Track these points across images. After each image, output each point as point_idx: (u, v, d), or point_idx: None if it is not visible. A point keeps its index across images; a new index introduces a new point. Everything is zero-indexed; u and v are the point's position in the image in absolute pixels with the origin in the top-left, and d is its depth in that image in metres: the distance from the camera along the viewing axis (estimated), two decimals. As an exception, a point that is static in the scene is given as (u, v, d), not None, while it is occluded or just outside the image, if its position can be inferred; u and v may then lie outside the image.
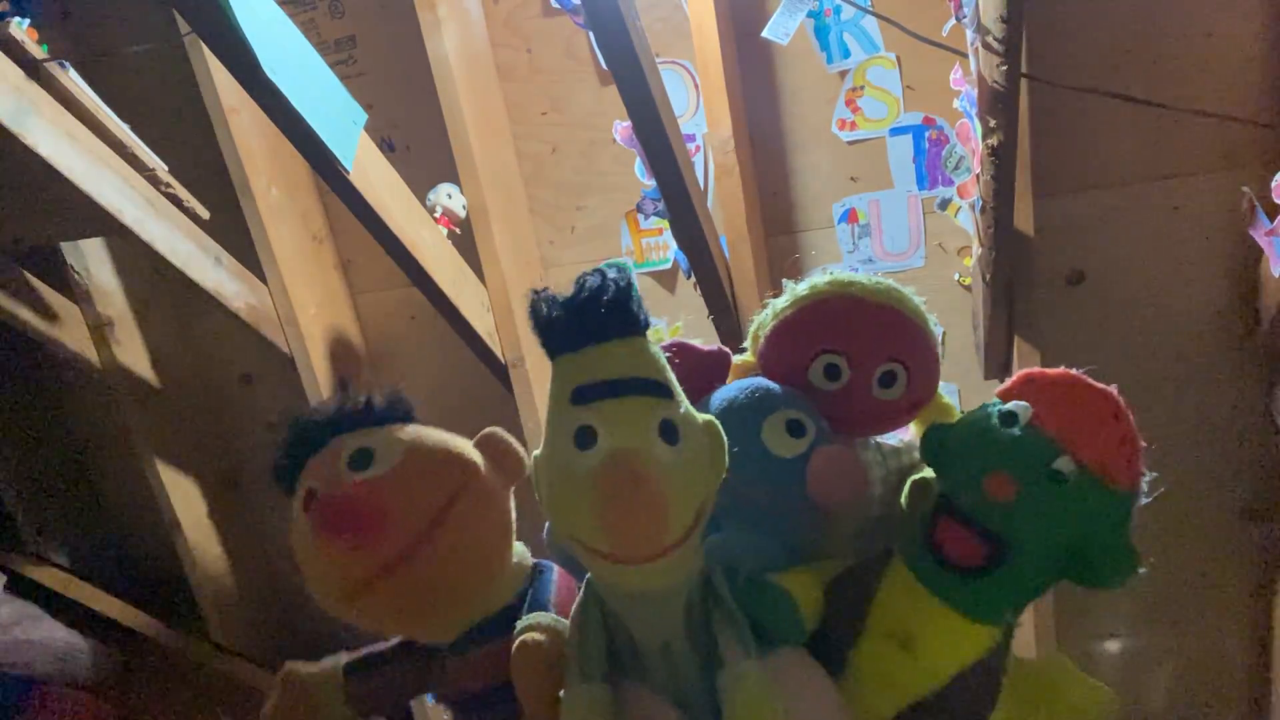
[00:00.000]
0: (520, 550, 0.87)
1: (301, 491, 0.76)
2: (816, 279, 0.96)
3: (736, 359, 1.00)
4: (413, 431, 0.80)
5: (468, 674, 0.80)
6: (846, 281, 0.92)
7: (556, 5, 1.74)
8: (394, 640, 0.84)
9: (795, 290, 0.98)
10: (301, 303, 1.97)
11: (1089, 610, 1.86)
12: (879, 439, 0.97)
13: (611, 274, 0.71)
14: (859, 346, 0.88)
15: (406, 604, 0.74)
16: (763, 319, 1.01)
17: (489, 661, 0.79)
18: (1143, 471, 0.80)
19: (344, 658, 0.81)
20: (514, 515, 0.85)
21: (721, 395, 0.88)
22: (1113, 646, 1.89)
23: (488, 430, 0.85)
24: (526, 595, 0.81)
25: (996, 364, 1.64)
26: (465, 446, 0.81)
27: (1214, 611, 1.80)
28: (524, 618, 0.78)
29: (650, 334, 0.75)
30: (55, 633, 2.39)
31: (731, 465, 0.76)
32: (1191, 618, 1.82)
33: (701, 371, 0.92)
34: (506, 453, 0.81)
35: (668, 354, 0.79)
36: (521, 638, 0.74)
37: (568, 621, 0.79)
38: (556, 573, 0.89)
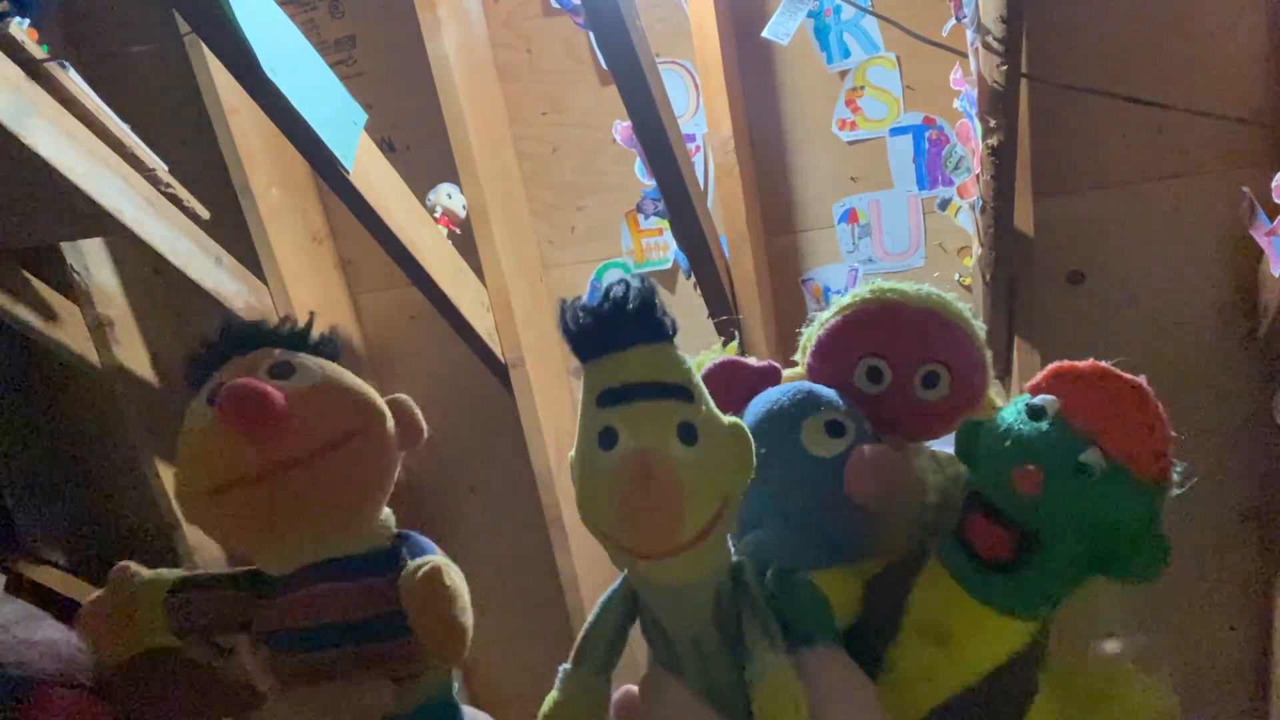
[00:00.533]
0: (388, 513, 0.89)
1: (212, 384, 0.75)
2: (859, 289, 0.99)
3: (787, 372, 1.01)
4: (336, 368, 0.83)
5: (297, 609, 0.81)
6: (887, 288, 0.95)
7: (556, 5, 1.74)
8: (236, 568, 0.86)
9: (839, 300, 1.00)
10: (301, 303, 1.97)
11: (1089, 610, 1.86)
12: (934, 447, 0.97)
13: (635, 284, 0.74)
14: (898, 348, 0.91)
15: (266, 515, 0.76)
16: (810, 332, 1.03)
17: (323, 600, 0.81)
18: (1172, 462, 0.81)
19: (180, 572, 0.83)
20: (395, 477, 0.87)
21: (765, 398, 0.91)
22: (1113, 646, 1.89)
23: (397, 395, 0.88)
24: (386, 553, 0.82)
25: (997, 364, 1.64)
26: (377, 397, 0.84)
27: (1214, 611, 1.80)
28: (413, 561, 0.79)
29: (676, 340, 0.78)
30: (55, 633, 2.38)
31: (772, 465, 0.78)
32: (1192, 618, 1.81)
33: (753, 387, 0.93)
34: (410, 419, 0.84)
35: (720, 373, 0.81)
36: (427, 563, 0.76)
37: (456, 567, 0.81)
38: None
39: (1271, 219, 1.33)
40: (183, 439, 0.74)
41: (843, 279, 1.79)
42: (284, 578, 0.80)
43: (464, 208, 1.79)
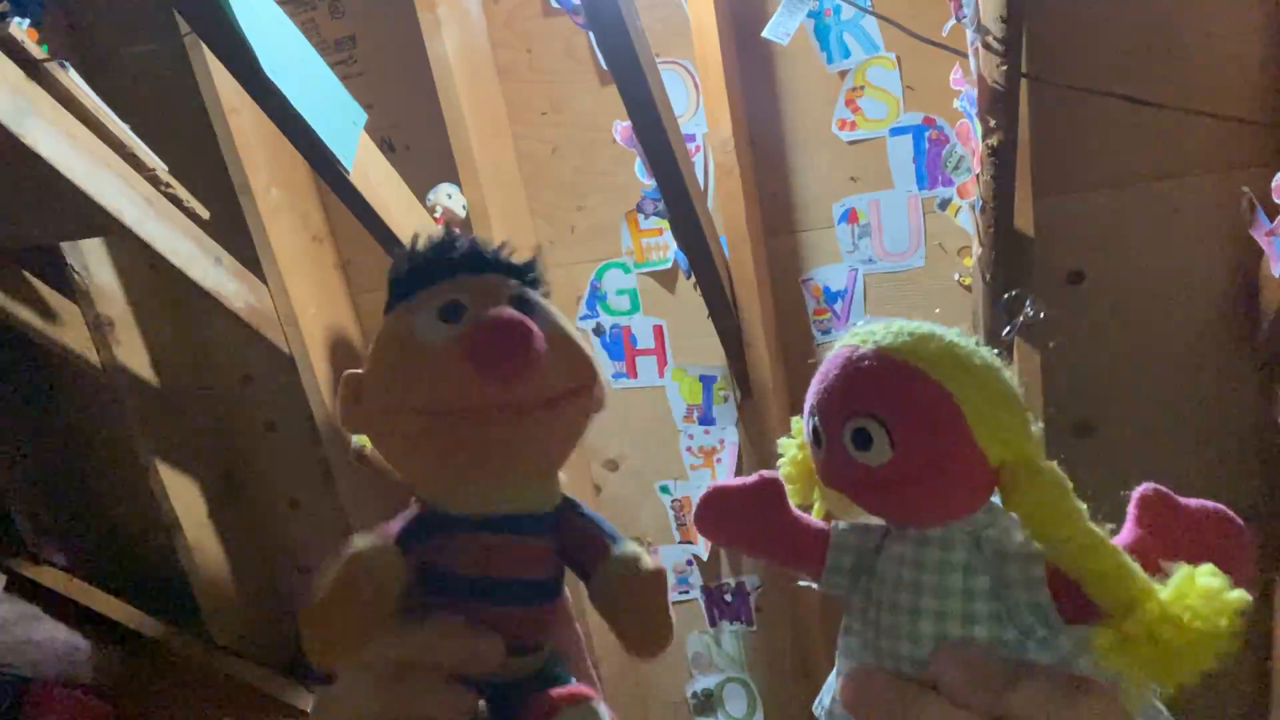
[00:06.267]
0: (562, 477, 0.81)
1: (441, 297, 0.65)
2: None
3: (785, 458, 0.86)
4: (561, 313, 0.75)
5: (472, 555, 0.72)
6: (851, 334, 0.79)
7: (556, 5, 1.74)
8: (408, 514, 0.74)
9: None
10: (301, 303, 1.97)
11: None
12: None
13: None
14: (826, 401, 0.75)
15: (479, 454, 0.65)
16: None
17: (498, 553, 0.72)
18: None
19: (377, 537, 0.66)
20: None
21: None
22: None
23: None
24: (554, 515, 0.74)
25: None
26: (596, 357, 0.77)
27: (1214, 611, 1.80)
28: (623, 544, 0.73)
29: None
30: (55, 633, 2.40)
31: None
32: (1191, 618, 1.81)
33: (752, 509, 0.79)
34: (603, 388, 0.76)
35: (709, 509, 0.74)
36: (640, 555, 0.70)
37: None
38: None
39: (1271, 219, 1.33)
40: (402, 348, 0.65)
41: (843, 279, 1.79)
42: (457, 519, 0.67)
43: (464, 208, 1.79)
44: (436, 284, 0.67)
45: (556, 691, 0.67)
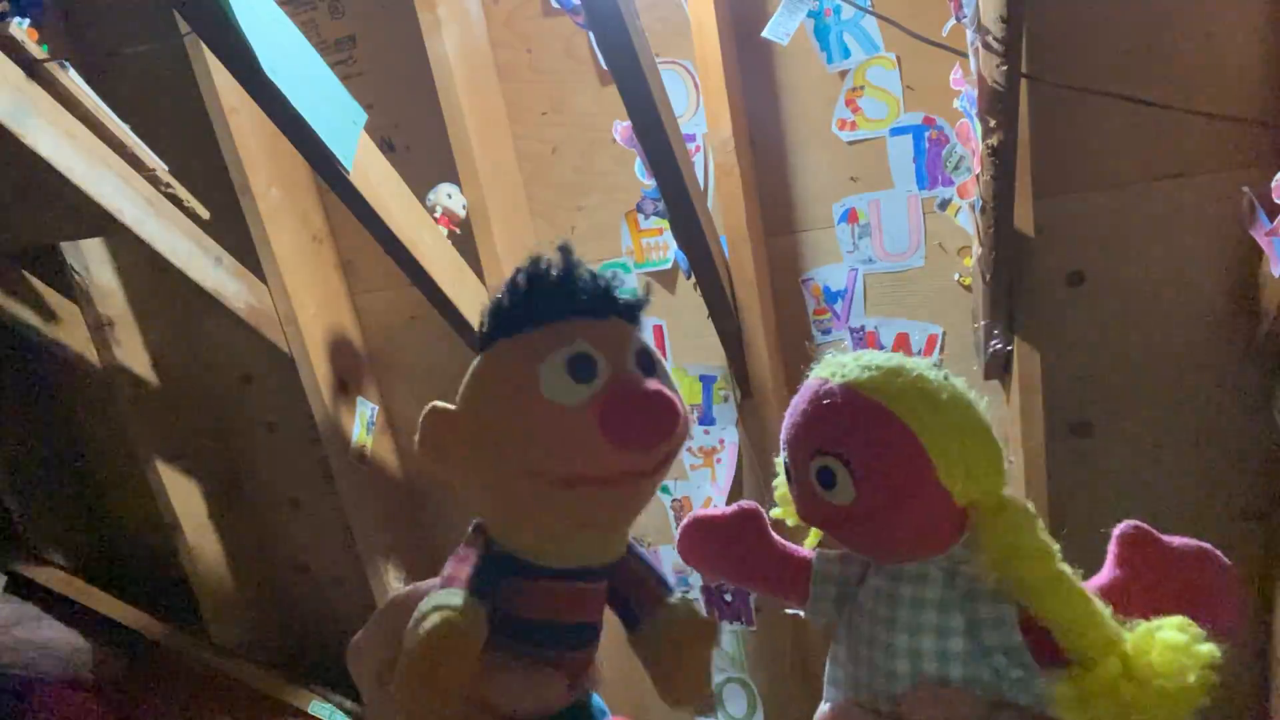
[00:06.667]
0: None
1: (565, 345, 0.59)
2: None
3: (779, 478, 0.80)
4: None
5: (548, 602, 0.67)
6: (823, 364, 0.74)
7: (556, 5, 1.74)
8: (473, 556, 0.67)
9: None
10: (301, 303, 1.98)
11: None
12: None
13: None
14: (793, 439, 0.70)
15: (593, 516, 0.63)
16: None
17: (570, 599, 0.68)
18: None
19: (459, 590, 0.59)
20: None
21: None
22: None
23: None
24: (627, 561, 0.74)
25: (997, 364, 1.64)
26: None
27: (1214, 611, 1.79)
28: (675, 595, 0.72)
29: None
30: (55, 633, 2.40)
31: None
32: (1191, 618, 1.81)
33: (732, 540, 0.77)
34: None
35: (689, 537, 0.75)
36: (693, 606, 0.70)
37: None
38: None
39: (1271, 219, 1.33)
40: (527, 405, 0.59)
41: (843, 279, 1.79)
42: (533, 567, 0.65)
43: (464, 208, 1.79)
44: (553, 322, 0.62)
45: None
